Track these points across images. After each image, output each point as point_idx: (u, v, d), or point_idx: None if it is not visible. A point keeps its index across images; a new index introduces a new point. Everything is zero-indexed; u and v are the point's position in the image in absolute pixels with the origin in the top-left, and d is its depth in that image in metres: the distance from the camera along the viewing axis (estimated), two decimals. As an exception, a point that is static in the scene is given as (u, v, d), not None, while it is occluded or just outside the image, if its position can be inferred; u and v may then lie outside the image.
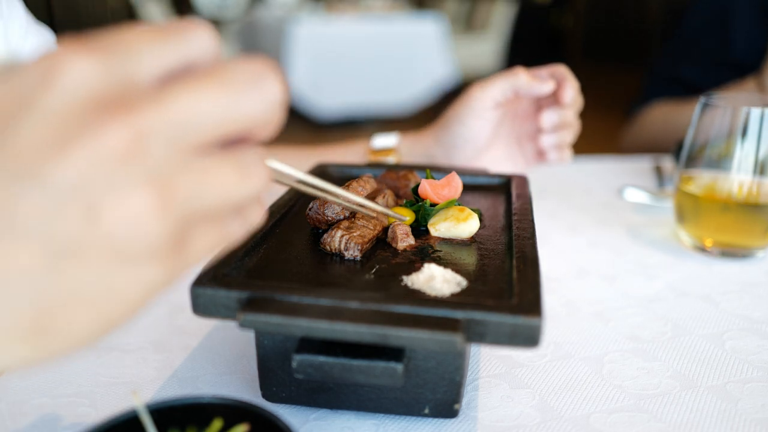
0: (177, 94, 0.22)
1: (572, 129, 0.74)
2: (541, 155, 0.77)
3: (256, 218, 0.26)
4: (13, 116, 0.21)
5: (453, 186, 0.52)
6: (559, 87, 0.71)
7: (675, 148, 0.93)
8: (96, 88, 0.21)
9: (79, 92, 0.21)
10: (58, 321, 0.22)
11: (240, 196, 0.24)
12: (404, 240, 0.47)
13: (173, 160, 0.22)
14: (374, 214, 0.48)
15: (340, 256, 0.46)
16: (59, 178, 0.20)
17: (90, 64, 0.21)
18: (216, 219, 0.24)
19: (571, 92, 0.71)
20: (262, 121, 0.24)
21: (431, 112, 3.62)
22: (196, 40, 0.24)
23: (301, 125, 4.54)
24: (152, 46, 0.22)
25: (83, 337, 0.22)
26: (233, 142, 0.24)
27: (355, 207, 0.47)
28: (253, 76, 0.23)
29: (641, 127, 1.24)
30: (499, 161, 0.78)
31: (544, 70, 0.72)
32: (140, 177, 0.21)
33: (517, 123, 0.78)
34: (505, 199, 0.59)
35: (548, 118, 0.72)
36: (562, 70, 0.71)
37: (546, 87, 0.70)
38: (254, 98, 0.23)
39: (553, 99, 0.73)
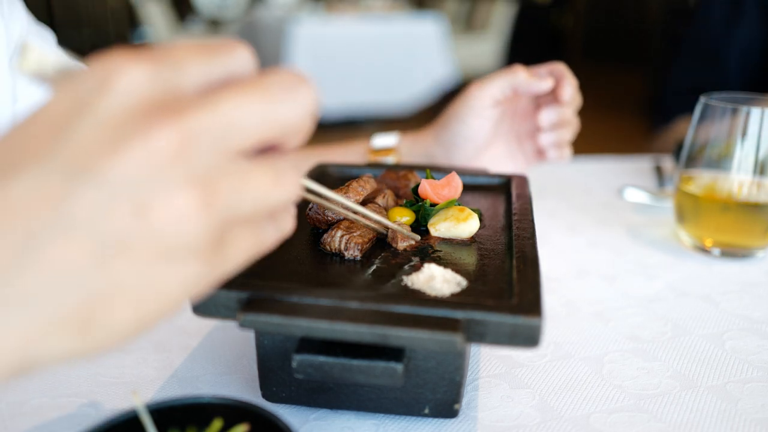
0: (221, 99, 0.23)
1: (571, 127, 0.74)
2: (540, 153, 0.77)
3: (287, 225, 0.28)
4: (72, 118, 0.22)
5: (453, 186, 0.52)
6: (557, 85, 0.71)
7: (675, 148, 0.93)
8: (147, 93, 0.22)
9: (132, 96, 0.22)
10: (104, 315, 0.22)
11: (275, 202, 0.25)
12: (404, 240, 0.47)
13: (217, 162, 0.23)
14: (373, 224, 0.48)
15: (340, 256, 0.46)
16: (111, 176, 0.21)
17: (142, 71, 0.22)
18: (252, 223, 0.25)
19: (570, 90, 0.71)
20: (296, 128, 0.25)
21: (431, 112, 3.63)
22: (237, 58, 0.25)
23: (301, 125, 4.52)
24: (198, 60, 0.24)
25: (126, 332, 0.23)
26: (268, 150, 0.26)
27: (353, 216, 0.47)
28: (291, 85, 0.25)
29: (671, 142, 1.24)
30: (499, 160, 0.78)
31: (543, 68, 0.72)
32: (187, 177, 0.22)
33: (517, 121, 0.78)
34: (505, 199, 0.59)
35: (547, 116, 0.72)
36: (560, 68, 0.71)
37: (544, 84, 0.70)
38: (291, 105, 0.25)
39: (552, 97, 0.73)
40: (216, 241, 0.23)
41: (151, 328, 0.24)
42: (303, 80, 0.26)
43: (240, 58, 0.25)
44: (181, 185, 0.22)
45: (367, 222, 0.47)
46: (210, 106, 0.23)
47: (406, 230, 0.48)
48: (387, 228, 0.48)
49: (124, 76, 0.22)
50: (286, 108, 0.25)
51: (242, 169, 0.24)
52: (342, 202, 0.39)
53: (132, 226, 0.22)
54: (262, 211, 0.25)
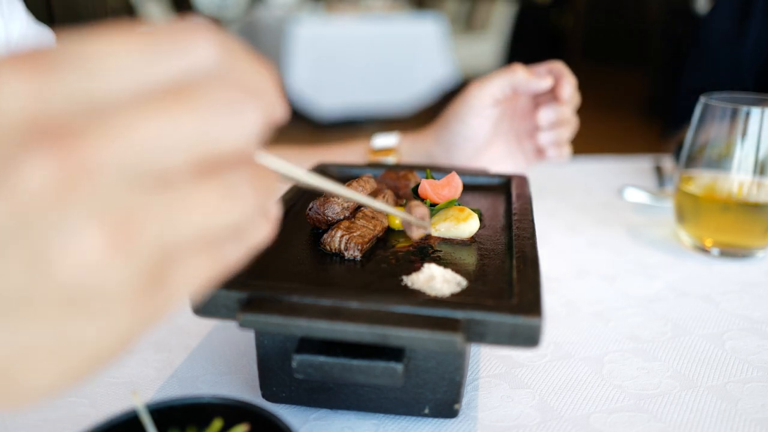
0: (135, 118, 0.19)
1: (570, 126, 0.74)
2: (540, 153, 0.77)
3: (260, 236, 0.24)
4: None
5: (453, 186, 0.52)
6: (556, 83, 0.71)
7: (675, 148, 0.93)
8: (33, 112, 0.18)
9: (9, 118, 0.18)
10: (18, 374, 0.20)
11: (230, 220, 0.21)
12: (418, 229, 0.42)
13: (130, 193, 0.19)
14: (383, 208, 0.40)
15: (340, 256, 0.46)
16: None
17: (29, 83, 0.18)
18: (204, 248, 0.21)
19: (569, 89, 0.71)
20: (236, 149, 0.21)
21: (431, 112, 3.63)
22: (194, 54, 0.20)
23: (301, 125, 4.54)
24: (131, 61, 0.19)
25: (51, 387, 0.20)
26: (216, 163, 0.21)
27: (365, 201, 0.38)
28: (233, 100, 0.20)
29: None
30: (499, 159, 0.78)
31: (542, 67, 0.72)
32: (88, 215, 0.18)
33: (516, 121, 0.78)
34: (505, 199, 0.59)
35: (545, 115, 0.72)
36: (559, 67, 0.72)
37: (544, 83, 0.70)
38: (229, 125, 0.20)
39: (551, 96, 0.73)
40: (149, 280, 0.20)
41: (92, 376, 0.21)
42: (251, 95, 0.21)
43: (198, 54, 0.20)
44: (82, 225, 0.18)
45: (376, 206, 0.38)
46: (116, 129, 0.18)
47: (415, 219, 0.42)
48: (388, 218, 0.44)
49: (2, 93, 0.17)
50: (222, 129, 0.20)
51: (174, 195, 0.20)
52: (344, 193, 0.33)
53: (28, 279, 0.18)
54: (213, 234, 0.21)
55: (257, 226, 0.23)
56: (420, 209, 0.42)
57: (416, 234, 0.41)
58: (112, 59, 0.19)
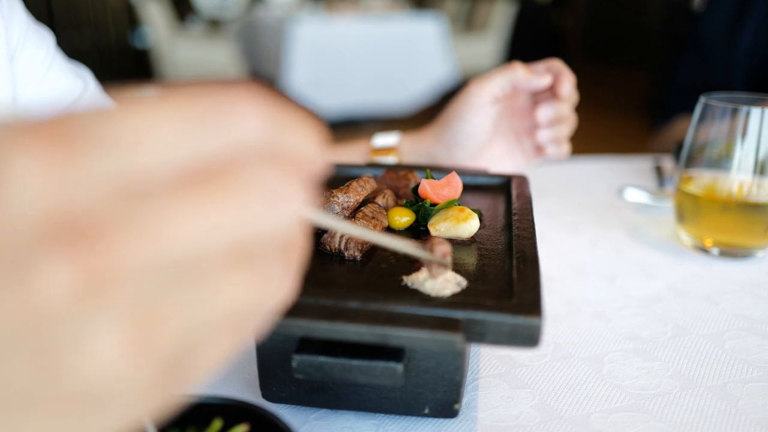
0: (168, 208, 0.17)
1: (569, 123, 0.75)
2: (539, 150, 0.77)
3: (282, 298, 0.22)
4: None
5: (453, 186, 0.52)
6: (555, 81, 0.71)
7: (675, 148, 0.94)
8: (52, 207, 0.16)
9: (26, 215, 0.16)
10: None
11: (259, 301, 0.20)
12: (439, 269, 0.40)
13: (154, 290, 0.18)
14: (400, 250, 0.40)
15: (340, 256, 0.46)
16: None
17: (50, 172, 0.16)
18: (227, 328, 0.20)
19: (568, 86, 0.71)
20: (277, 241, 0.19)
21: (431, 112, 3.62)
22: (241, 129, 0.19)
23: (300, 125, 4.52)
24: (169, 137, 0.17)
25: None
26: (253, 250, 0.20)
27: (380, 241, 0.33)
28: (275, 190, 0.19)
29: (669, 139, 1.24)
30: (499, 158, 0.78)
31: (541, 65, 0.73)
32: (107, 319, 0.17)
33: (515, 119, 0.78)
34: (505, 199, 0.59)
35: (544, 113, 0.72)
36: (557, 65, 0.72)
37: (543, 81, 0.70)
38: (269, 217, 0.19)
39: (550, 94, 0.73)
40: (168, 372, 0.19)
41: None
42: (297, 174, 0.20)
43: (245, 127, 0.19)
44: (98, 330, 0.17)
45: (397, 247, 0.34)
46: (147, 224, 0.17)
47: (438, 258, 0.39)
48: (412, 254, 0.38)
49: (21, 179, 0.15)
50: (263, 218, 0.19)
51: (202, 286, 0.18)
52: (364, 234, 0.30)
53: (37, 380, 0.17)
54: (239, 318, 0.20)
55: (281, 291, 0.22)
56: (442, 247, 0.39)
57: (436, 273, 0.40)
58: (150, 136, 0.17)
